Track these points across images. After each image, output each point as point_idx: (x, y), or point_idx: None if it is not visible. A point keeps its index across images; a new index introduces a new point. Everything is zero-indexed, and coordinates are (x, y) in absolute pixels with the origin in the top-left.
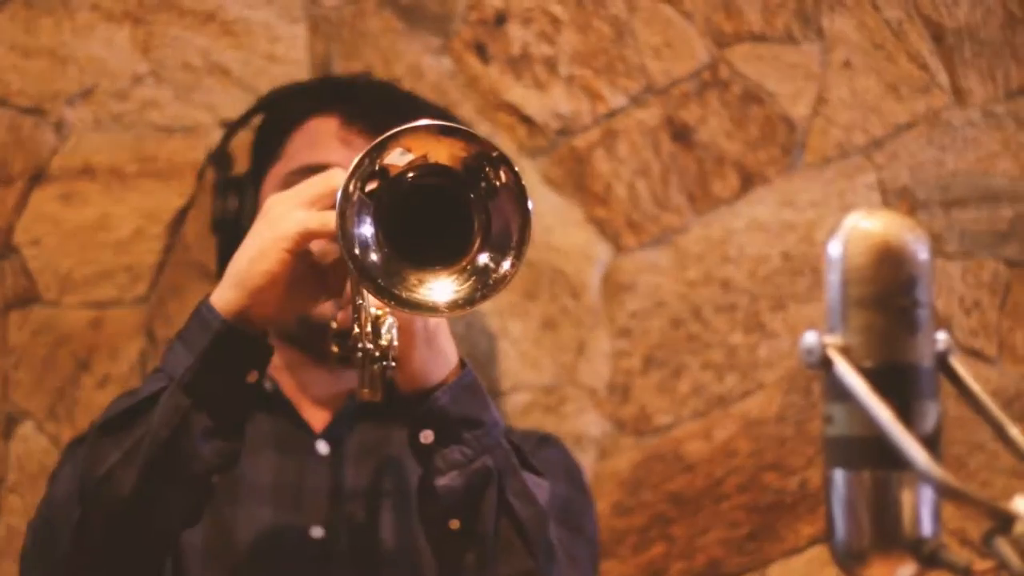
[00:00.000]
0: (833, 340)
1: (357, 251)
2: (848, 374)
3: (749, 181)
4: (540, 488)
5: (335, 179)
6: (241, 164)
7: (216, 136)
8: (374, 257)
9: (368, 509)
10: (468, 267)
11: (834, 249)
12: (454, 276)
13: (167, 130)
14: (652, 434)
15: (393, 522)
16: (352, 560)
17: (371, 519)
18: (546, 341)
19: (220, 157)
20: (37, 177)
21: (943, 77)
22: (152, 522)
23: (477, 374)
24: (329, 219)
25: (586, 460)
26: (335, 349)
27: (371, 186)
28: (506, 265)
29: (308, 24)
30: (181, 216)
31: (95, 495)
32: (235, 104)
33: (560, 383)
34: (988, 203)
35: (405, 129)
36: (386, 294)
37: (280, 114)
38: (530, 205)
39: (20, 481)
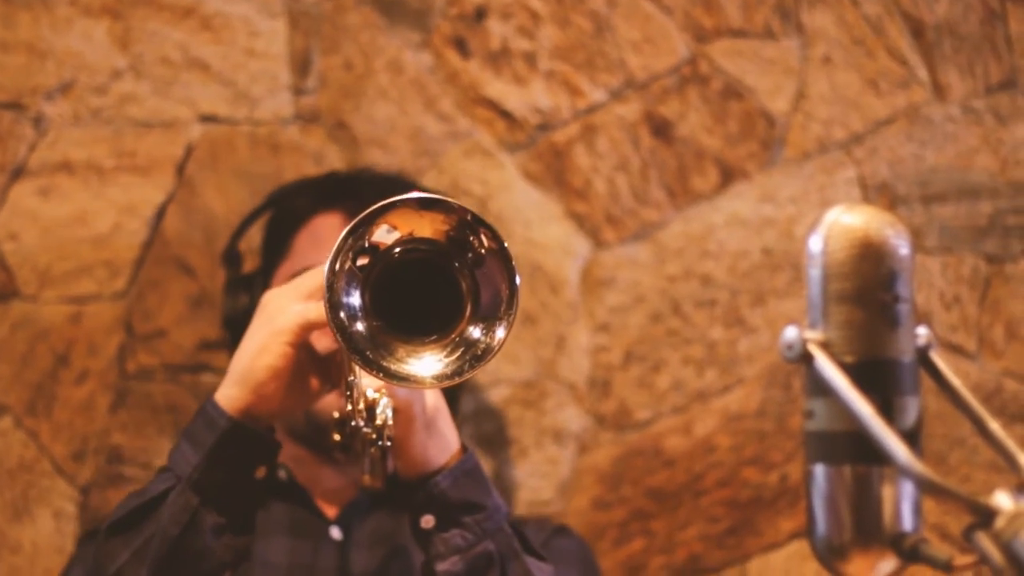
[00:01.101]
0: (814, 335)
1: (344, 319)
2: (829, 369)
3: (729, 176)
4: (543, 572)
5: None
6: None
7: (195, 131)
8: (361, 327)
9: None
10: (457, 339)
11: (815, 244)
12: (443, 348)
13: (146, 125)
14: (632, 429)
15: None
16: None
17: None
18: (526, 336)
19: (230, 255)
20: (16, 172)
21: (923, 72)
22: None
23: (479, 460)
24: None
25: (566, 455)
26: (337, 437)
27: (362, 261)
28: (499, 333)
29: (287, 19)
30: (160, 211)
31: None
32: (214, 99)
33: (540, 378)
34: (967, 198)
35: (387, 205)
36: (374, 366)
37: (286, 212)
38: (516, 273)
39: None
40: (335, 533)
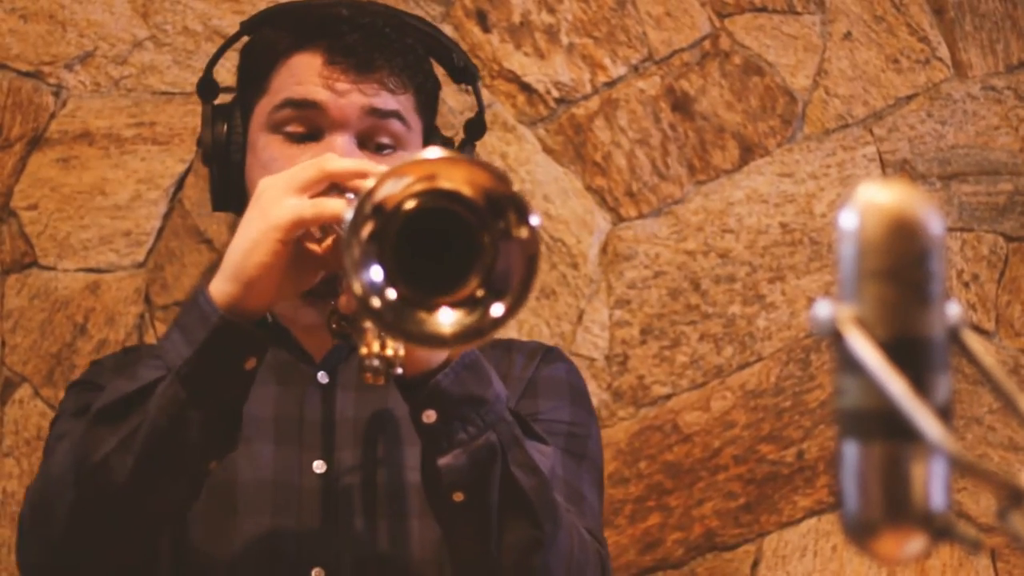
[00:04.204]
0: (846, 311)
1: (367, 297)
2: (861, 345)
3: (749, 152)
4: (543, 456)
5: (327, 164)
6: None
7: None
8: (384, 297)
9: (373, 441)
10: (471, 297)
11: (847, 220)
12: (461, 307)
13: (166, 95)
14: (650, 404)
15: (398, 456)
16: (357, 494)
17: (377, 452)
18: (544, 310)
19: (206, 85)
20: (35, 141)
21: (943, 50)
22: (149, 507)
23: (478, 351)
24: (322, 206)
25: None
26: (334, 326)
27: (367, 230)
28: (495, 310)
29: None
30: (180, 182)
31: (91, 481)
32: (235, 69)
33: None
34: (987, 177)
35: (413, 162)
36: (395, 330)
37: (263, 46)
38: (536, 273)
39: (16, 445)
40: (323, 377)
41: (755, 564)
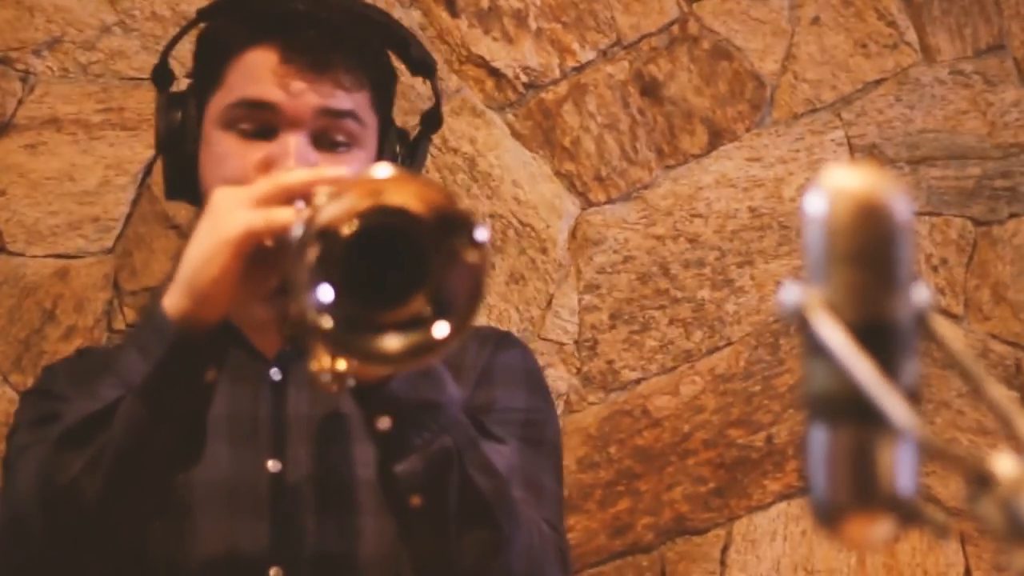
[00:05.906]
0: (814, 294)
1: (322, 323)
2: (829, 329)
3: (717, 137)
4: (499, 455)
5: (284, 179)
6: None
7: (184, 87)
8: (336, 317)
9: (326, 439)
10: (417, 315)
11: (814, 203)
12: (407, 325)
13: (134, 81)
14: (619, 389)
15: (352, 453)
16: (312, 493)
17: (330, 449)
18: (513, 295)
19: (161, 73)
20: (3, 127)
21: (912, 35)
22: (120, 522)
23: None
24: (275, 217)
25: None
26: (287, 331)
27: (312, 254)
28: (439, 329)
29: None
30: (148, 168)
31: (60, 505)
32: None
33: (527, 337)
34: (956, 161)
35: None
36: (344, 350)
37: (217, 39)
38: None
39: None
40: (275, 375)
41: (725, 548)
